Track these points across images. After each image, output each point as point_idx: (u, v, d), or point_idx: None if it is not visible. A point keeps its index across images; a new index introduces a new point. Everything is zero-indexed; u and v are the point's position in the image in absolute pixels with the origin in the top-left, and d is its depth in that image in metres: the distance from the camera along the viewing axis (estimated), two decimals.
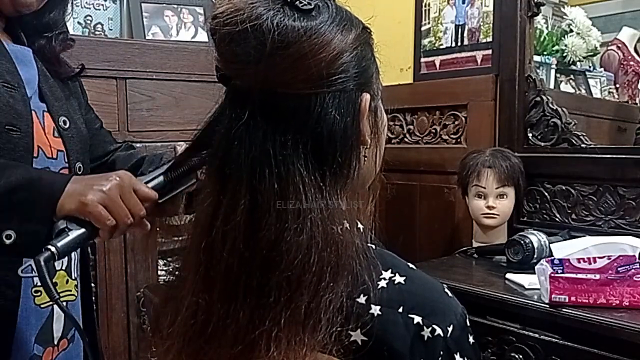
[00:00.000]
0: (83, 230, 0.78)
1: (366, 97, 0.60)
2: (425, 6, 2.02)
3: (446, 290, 0.61)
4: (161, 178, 0.85)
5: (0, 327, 0.91)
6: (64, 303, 1.01)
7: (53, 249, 0.73)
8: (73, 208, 0.79)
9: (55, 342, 1.00)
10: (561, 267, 1.20)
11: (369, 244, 0.61)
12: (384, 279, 0.58)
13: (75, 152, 1.03)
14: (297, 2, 0.56)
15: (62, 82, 1.08)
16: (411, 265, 0.62)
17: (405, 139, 2.11)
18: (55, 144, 1.00)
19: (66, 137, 1.01)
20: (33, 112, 0.96)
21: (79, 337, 1.05)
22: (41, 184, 0.81)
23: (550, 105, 1.71)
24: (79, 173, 1.04)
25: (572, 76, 2.05)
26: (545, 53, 1.94)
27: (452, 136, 1.96)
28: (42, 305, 0.96)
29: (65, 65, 1.10)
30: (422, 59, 2.04)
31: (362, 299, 0.57)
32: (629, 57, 2.15)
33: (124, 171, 0.86)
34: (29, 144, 0.93)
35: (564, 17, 2.04)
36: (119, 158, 1.16)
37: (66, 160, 1.01)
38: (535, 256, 1.43)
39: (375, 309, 0.56)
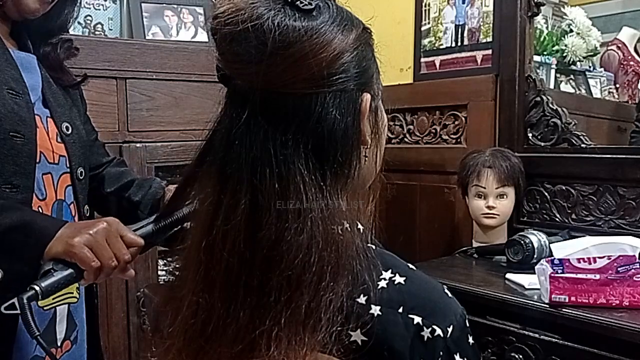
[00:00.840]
0: (68, 272, 0.81)
1: (367, 97, 0.60)
2: (425, 6, 2.02)
3: (446, 290, 0.61)
4: (150, 227, 0.88)
5: (1, 328, 0.91)
6: (66, 305, 1.02)
7: (37, 288, 0.76)
8: (60, 250, 0.81)
9: (59, 344, 1.00)
10: (561, 267, 1.20)
11: (369, 244, 0.61)
12: (384, 279, 0.58)
13: (77, 157, 1.04)
14: (298, 2, 0.56)
15: (64, 90, 1.09)
16: (411, 266, 0.62)
17: (405, 139, 2.11)
18: (58, 149, 1.01)
19: (68, 143, 1.03)
20: (37, 117, 0.97)
21: (82, 339, 1.06)
22: (34, 228, 0.84)
23: (550, 105, 1.71)
24: (81, 178, 1.05)
25: (572, 76, 2.05)
26: (545, 53, 1.94)
27: (452, 136, 1.96)
28: (44, 308, 0.97)
29: (68, 74, 1.11)
30: (422, 59, 2.04)
31: (362, 299, 0.57)
32: (629, 57, 2.15)
33: (112, 217, 0.89)
34: (32, 150, 0.94)
35: (564, 17, 2.04)
36: (109, 175, 1.17)
37: (68, 165, 1.03)
38: (535, 256, 1.43)
39: (376, 309, 0.56)
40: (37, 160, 0.96)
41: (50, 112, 1.02)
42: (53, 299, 0.98)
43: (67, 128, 1.03)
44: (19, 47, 1.02)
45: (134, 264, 1.69)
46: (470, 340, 0.60)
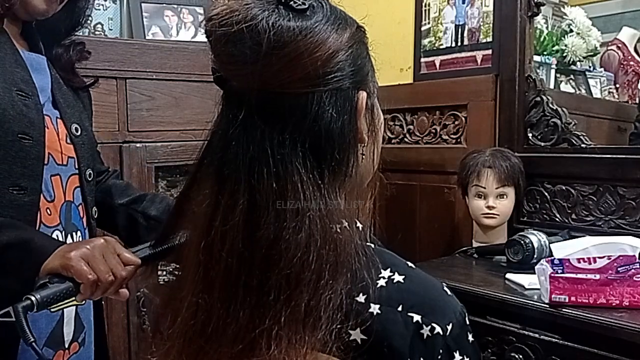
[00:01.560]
0: (65, 284, 0.80)
1: (363, 95, 0.60)
2: (425, 6, 2.02)
3: (445, 288, 0.61)
4: (147, 251, 0.88)
5: (6, 331, 0.91)
6: (73, 307, 1.02)
7: (33, 299, 0.76)
8: (57, 264, 0.81)
9: (66, 345, 1.00)
10: (561, 267, 1.20)
11: (368, 243, 0.61)
12: (383, 277, 0.58)
13: (85, 158, 1.04)
14: (292, 2, 0.56)
15: (74, 92, 1.09)
16: (410, 264, 0.62)
17: (405, 139, 2.11)
18: (67, 151, 1.01)
19: (77, 144, 1.03)
20: (47, 118, 0.98)
21: (90, 341, 1.06)
22: (32, 246, 0.84)
23: (550, 105, 1.71)
24: (89, 180, 1.05)
25: (572, 76, 2.05)
26: (545, 53, 1.94)
27: (452, 136, 1.96)
28: (51, 310, 0.97)
29: (79, 76, 1.11)
30: (422, 59, 2.04)
31: (361, 298, 0.57)
32: (629, 57, 2.15)
33: (110, 237, 0.89)
34: (40, 152, 0.95)
35: (564, 17, 2.04)
36: (116, 187, 1.17)
37: (76, 167, 1.03)
38: (535, 256, 1.43)
39: (375, 308, 0.56)
40: (46, 162, 0.96)
41: (60, 113, 1.02)
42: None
43: (76, 129, 1.03)
44: (29, 48, 1.02)
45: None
46: (470, 337, 0.59)
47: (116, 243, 0.87)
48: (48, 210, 0.97)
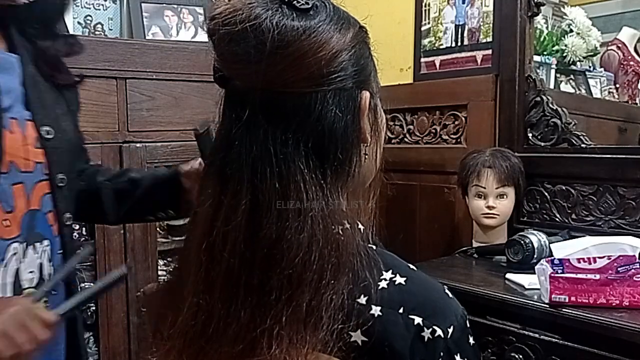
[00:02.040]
0: None
1: (366, 94, 0.60)
2: (425, 6, 2.02)
3: (446, 291, 0.61)
4: (67, 302, 0.89)
5: None
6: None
7: None
8: None
9: None
10: (561, 267, 1.20)
11: (369, 245, 0.61)
12: (385, 279, 0.58)
13: (58, 162, 0.98)
14: (295, 1, 0.56)
15: (58, 90, 1.02)
16: (411, 266, 0.62)
17: (405, 139, 2.11)
18: (34, 156, 0.94)
19: (49, 148, 0.96)
20: (13, 122, 0.91)
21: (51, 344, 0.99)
22: None
23: (550, 105, 1.71)
24: (61, 185, 0.99)
25: (572, 76, 2.05)
26: (545, 53, 1.94)
27: (452, 136, 1.96)
28: None
29: (66, 72, 1.05)
30: (422, 59, 2.04)
31: (362, 300, 0.57)
32: (629, 57, 2.15)
33: (24, 300, 0.85)
34: None
35: (564, 17, 2.05)
36: (97, 171, 1.16)
37: (46, 172, 0.96)
38: (535, 256, 1.43)
39: (376, 310, 0.56)
40: (5, 171, 0.89)
41: (32, 114, 0.95)
42: None
43: (47, 132, 0.96)
44: (7, 44, 0.96)
45: (135, 264, 1.69)
46: (471, 340, 0.60)
47: (32, 303, 0.83)
48: (6, 222, 0.91)
